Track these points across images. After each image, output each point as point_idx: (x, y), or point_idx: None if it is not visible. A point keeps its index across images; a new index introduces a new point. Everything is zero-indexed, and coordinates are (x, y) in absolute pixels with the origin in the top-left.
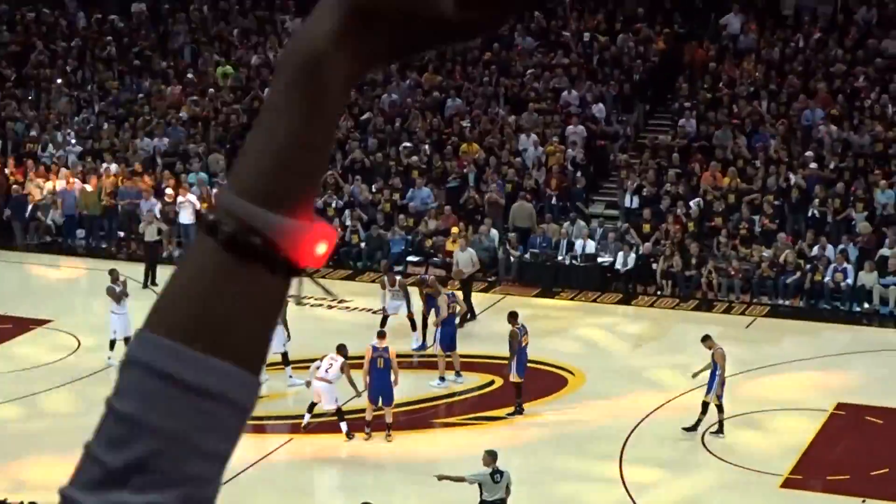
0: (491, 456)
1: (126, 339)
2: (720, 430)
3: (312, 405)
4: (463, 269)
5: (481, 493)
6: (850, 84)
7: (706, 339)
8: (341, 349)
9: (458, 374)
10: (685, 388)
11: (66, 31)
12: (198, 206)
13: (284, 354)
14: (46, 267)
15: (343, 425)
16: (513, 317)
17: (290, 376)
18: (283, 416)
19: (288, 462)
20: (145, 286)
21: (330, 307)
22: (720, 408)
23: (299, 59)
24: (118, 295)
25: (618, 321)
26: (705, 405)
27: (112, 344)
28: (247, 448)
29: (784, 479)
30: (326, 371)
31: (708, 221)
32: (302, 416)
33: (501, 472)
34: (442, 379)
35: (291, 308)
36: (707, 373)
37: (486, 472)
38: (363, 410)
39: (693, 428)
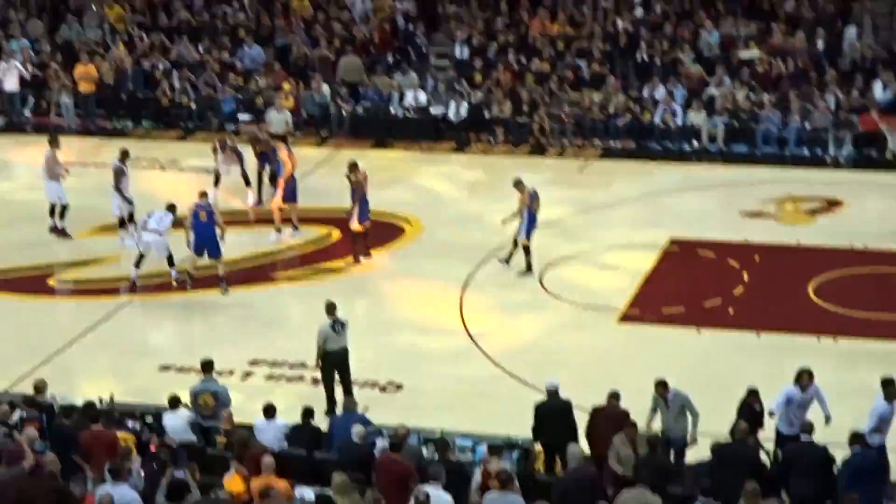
0: (330, 307)
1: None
2: (507, 261)
3: (138, 259)
4: (275, 131)
5: (325, 343)
6: None
7: (518, 185)
8: (171, 208)
9: (295, 227)
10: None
11: None
12: (24, 73)
13: (122, 218)
14: None
15: (172, 272)
16: (352, 168)
17: (122, 239)
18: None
19: (128, 323)
20: None
21: (162, 168)
22: (527, 249)
23: None
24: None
25: (452, 169)
26: (524, 247)
27: None
28: (87, 312)
29: (622, 314)
30: (158, 223)
31: (539, 68)
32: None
33: (342, 323)
34: (278, 230)
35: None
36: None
37: (328, 323)
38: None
39: (506, 261)
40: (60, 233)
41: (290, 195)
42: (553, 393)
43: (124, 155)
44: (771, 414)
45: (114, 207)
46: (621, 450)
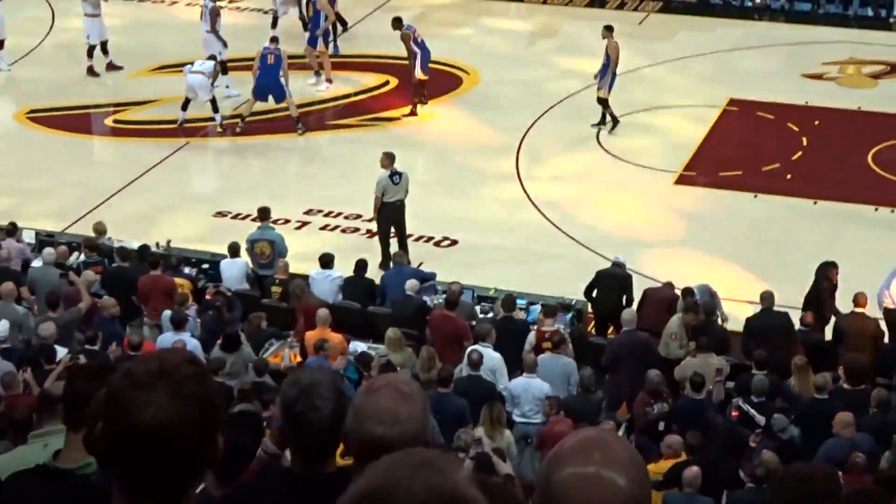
0: (388, 157)
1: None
2: (602, 123)
3: (187, 102)
4: None
5: (384, 195)
6: None
7: (608, 30)
8: (212, 57)
9: (318, 73)
10: (578, 86)
11: None
12: None
13: (224, 63)
14: None
15: (217, 116)
16: (396, 22)
17: (227, 86)
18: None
19: (183, 167)
20: None
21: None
22: (605, 102)
23: None
24: None
25: (510, 18)
26: (602, 100)
27: None
28: (144, 153)
29: (678, 175)
30: (201, 64)
31: None
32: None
33: (400, 174)
34: (329, 80)
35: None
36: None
37: (386, 174)
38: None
39: (599, 123)
40: (89, 71)
41: (312, 41)
42: (619, 265)
43: None
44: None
45: (212, 51)
46: (677, 331)
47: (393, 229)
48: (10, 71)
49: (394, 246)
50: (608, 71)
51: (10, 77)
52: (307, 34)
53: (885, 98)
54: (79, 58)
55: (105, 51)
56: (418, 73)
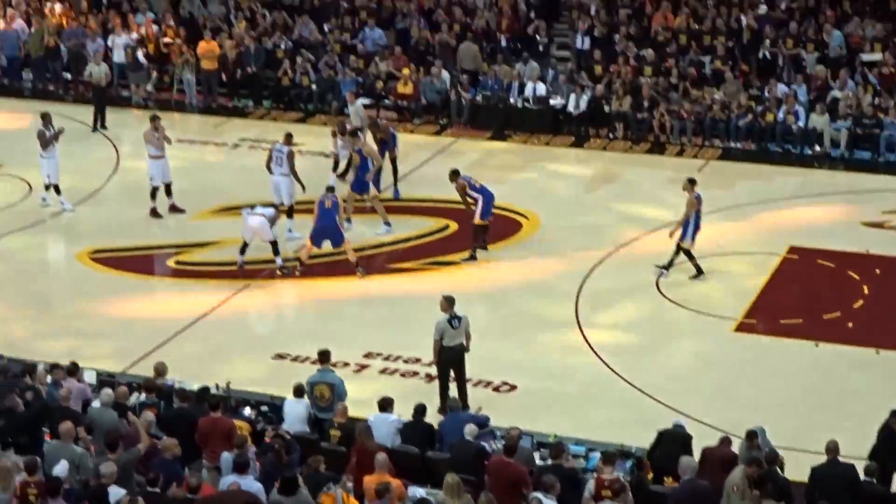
0: (448, 301)
1: (56, 186)
2: (668, 268)
3: (245, 245)
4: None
5: (442, 338)
6: None
7: (690, 183)
8: (273, 205)
9: (349, 220)
10: (638, 233)
11: None
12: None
13: (291, 207)
14: None
15: (279, 259)
16: (454, 174)
17: (290, 230)
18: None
19: (243, 308)
20: (94, 129)
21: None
22: (683, 251)
23: None
24: (47, 140)
25: (570, 164)
26: (686, 251)
27: (47, 187)
28: (205, 295)
29: (737, 323)
30: (262, 209)
31: (660, 62)
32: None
33: (459, 318)
34: (387, 223)
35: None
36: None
37: (445, 318)
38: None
39: (665, 267)
40: (152, 212)
41: (361, 187)
42: (678, 426)
43: (289, 138)
44: None
45: (283, 195)
46: (739, 483)
47: (452, 373)
48: (74, 211)
49: (453, 390)
50: (690, 222)
51: (75, 217)
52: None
53: None
54: (142, 199)
55: (168, 192)
56: (477, 219)
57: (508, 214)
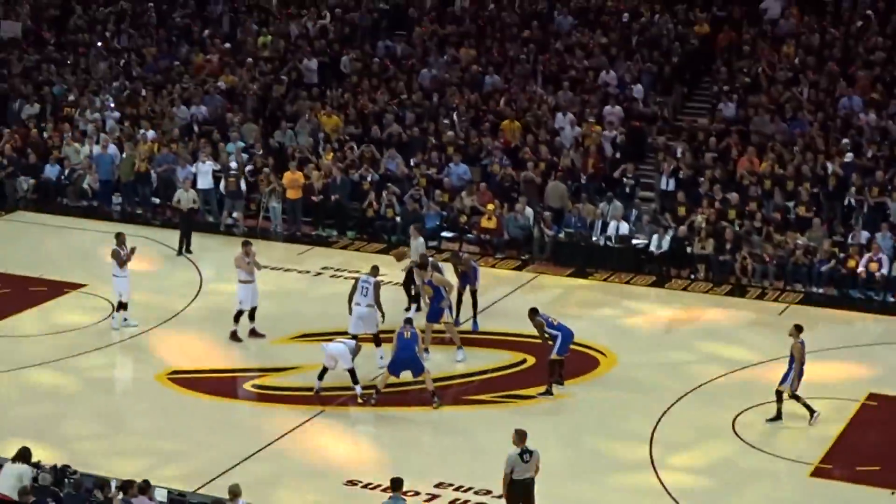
0: (519, 436)
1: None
2: (778, 418)
3: (324, 371)
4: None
5: (513, 472)
6: (890, 72)
7: (797, 329)
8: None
9: (459, 347)
10: (716, 373)
11: None
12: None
13: (376, 335)
14: (82, 231)
15: (358, 387)
16: (533, 312)
17: (381, 357)
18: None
19: (316, 434)
20: (179, 253)
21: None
22: (785, 397)
23: None
24: (122, 259)
25: (651, 304)
26: (779, 393)
27: (119, 305)
28: (279, 419)
29: (814, 468)
30: (337, 339)
31: (744, 206)
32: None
33: (531, 452)
34: (460, 350)
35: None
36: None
37: (516, 451)
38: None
39: (775, 419)
40: (233, 336)
41: (435, 316)
42: None
43: (375, 270)
44: None
45: (368, 325)
46: None
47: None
48: (137, 326)
49: None
50: (793, 369)
51: (155, 337)
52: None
53: None
54: (222, 322)
55: (252, 317)
56: (554, 354)
57: (587, 351)
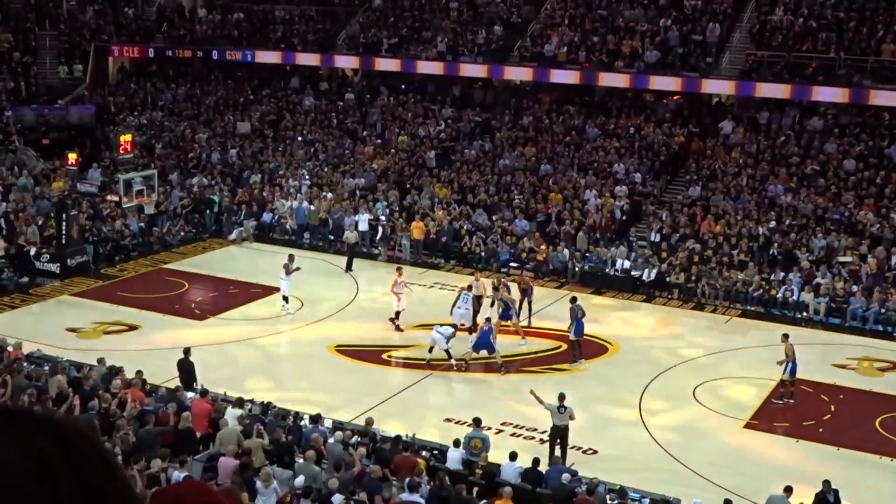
0: (559, 396)
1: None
2: (790, 398)
3: (431, 348)
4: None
5: (552, 419)
6: (802, 170)
7: (785, 336)
8: (455, 326)
9: (523, 338)
10: (684, 358)
11: (302, 109)
12: (380, 224)
13: (471, 327)
14: (283, 255)
15: (453, 361)
16: (573, 300)
17: (471, 342)
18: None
19: (429, 388)
20: (347, 271)
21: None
22: (791, 384)
23: None
24: (288, 268)
25: (642, 313)
26: (783, 382)
27: (285, 298)
28: (404, 378)
29: (745, 422)
30: (442, 327)
31: (704, 252)
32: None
33: (565, 407)
34: (523, 339)
35: (446, 293)
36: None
37: (556, 404)
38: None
39: (782, 399)
40: (397, 328)
41: (506, 317)
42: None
43: (470, 287)
44: None
45: (467, 321)
46: None
47: (559, 442)
48: (294, 314)
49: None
50: (788, 363)
51: (329, 323)
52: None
53: (889, 385)
54: (371, 314)
55: (398, 316)
56: (572, 336)
57: (600, 342)
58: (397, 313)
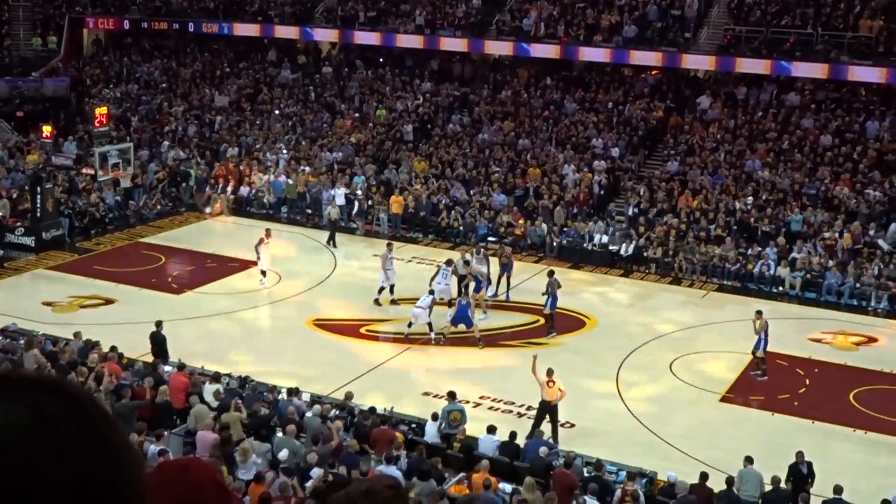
0: (548, 372)
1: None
2: (764, 374)
3: (410, 323)
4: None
5: (541, 394)
6: (779, 146)
7: (758, 314)
8: (431, 292)
9: (484, 312)
10: (660, 333)
11: (279, 82)
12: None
13: (450, 300)
14: (260, 230)
15: (432, 334)
16: (551, 273)
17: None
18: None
19: (406, 362)
20: (329, 244)
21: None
22: (763, 360)
23: None
24: (260, 245)
25: (619, 288)
26: (757, 358)
27: (263, 273)
28: (382, 351)
29: (721, 396)
30: (422, 301)
31: (683, 227)
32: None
33: (553, 382)
34: (485, 313)
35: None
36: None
37: (544, 379)
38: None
39: (758, 373)
40: (394, 302)
41: (477, 290)
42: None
43: (449, 262)
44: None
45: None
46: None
47: (548, 416)
48: (268, 287)
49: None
50: (761, 338)
51: (307, 296)
52: (490, 287)
53: (863, 358)
54: (349, 288)
55: (392, 290)
56: (546, 310)
57: (577, 315)
58: (382, 289)
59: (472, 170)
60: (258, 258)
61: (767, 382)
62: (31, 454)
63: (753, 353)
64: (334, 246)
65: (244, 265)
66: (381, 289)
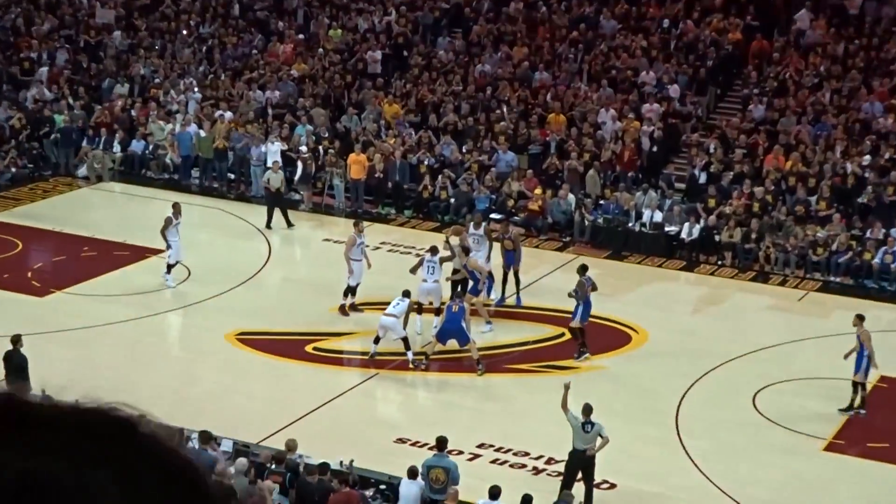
0: (584, 410)
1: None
2: (850, 408)
3: (377, 338)
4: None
5: (574, 441)
6: None
7: (859, 318)
8: (406, 293)
9: (488, 321)
10: (738, 352)
11: None
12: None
13: (439, 308)
14: (163, 202)
15: (409, 353)
16: (583, 269)
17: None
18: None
19: (371, 394)
20: (268, 227)
21: (417, 255)
22: (863, 386)
23: None
24: (171, 225)
25: (680, 286)
26: (854, 385)
27: (169, 267)
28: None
29: (827, 443)
30: (394, 307)
31: (770, 199)
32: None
33: (593, 424)
34: (488, 323)
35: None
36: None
37: (581, 420)
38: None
39: (847, 409)
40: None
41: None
42: None
43: (434, 250)
44: None
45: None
46: None
47: (580, 474)
48: (175, 287)
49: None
50: (863, 356)
51: (226, 301)
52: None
53: None
54: (287, 288)
55: (354, 293)
56: (575, 321)
57: (619, 327)
58: (349, 289)
59: (466, 116)
60: (168, 247)
61: (892, 422)
62: None
63: (853, 377)
64: (268, 227)
65: (137, 254)
66: (349, 289)
